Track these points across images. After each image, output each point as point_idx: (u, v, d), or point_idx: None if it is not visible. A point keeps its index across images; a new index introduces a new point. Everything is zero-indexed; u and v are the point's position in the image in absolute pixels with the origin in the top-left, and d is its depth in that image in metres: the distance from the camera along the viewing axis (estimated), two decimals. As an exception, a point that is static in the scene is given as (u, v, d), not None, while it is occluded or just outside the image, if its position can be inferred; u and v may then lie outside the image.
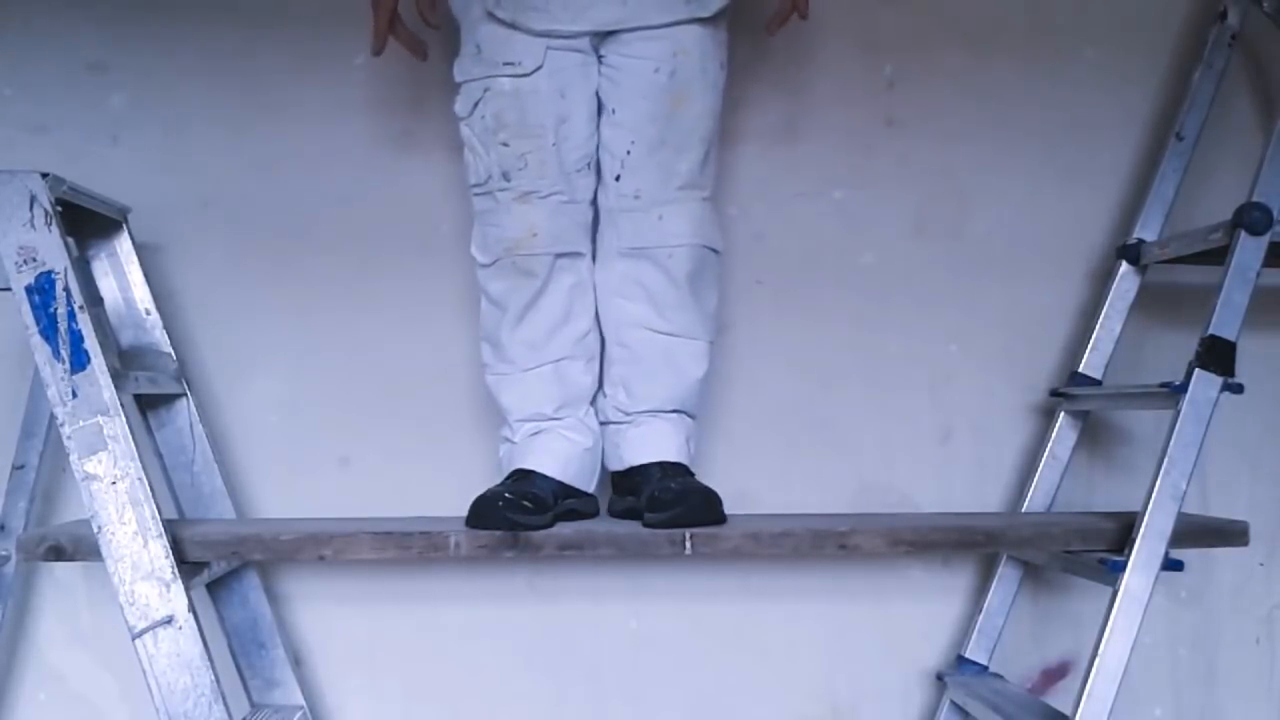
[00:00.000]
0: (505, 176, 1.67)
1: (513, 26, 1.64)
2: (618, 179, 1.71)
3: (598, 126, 1.72)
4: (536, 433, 1.73)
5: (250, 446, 1.96)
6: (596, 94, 1.71)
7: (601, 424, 1.80)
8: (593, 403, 1.79)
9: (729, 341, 1.95)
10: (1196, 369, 1.63)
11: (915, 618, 2.03)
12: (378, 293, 1.98)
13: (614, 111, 1.70)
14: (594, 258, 1.76)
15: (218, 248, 1.96)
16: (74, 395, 1.49)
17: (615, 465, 1.79)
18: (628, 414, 1.76)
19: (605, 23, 1.66)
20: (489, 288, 1.72)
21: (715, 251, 1.76)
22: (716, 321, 1.81)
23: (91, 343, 1.49)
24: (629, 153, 1.70)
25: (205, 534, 1.61)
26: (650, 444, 1.75)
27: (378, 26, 1.66)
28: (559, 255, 1.68)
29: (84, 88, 1.96)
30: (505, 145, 1.66)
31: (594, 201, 1.74)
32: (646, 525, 1.64)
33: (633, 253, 1.72)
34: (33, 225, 1.50)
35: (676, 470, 1.73)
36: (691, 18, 1.67)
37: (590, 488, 1.77)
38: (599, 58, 1.70)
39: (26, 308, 1.49)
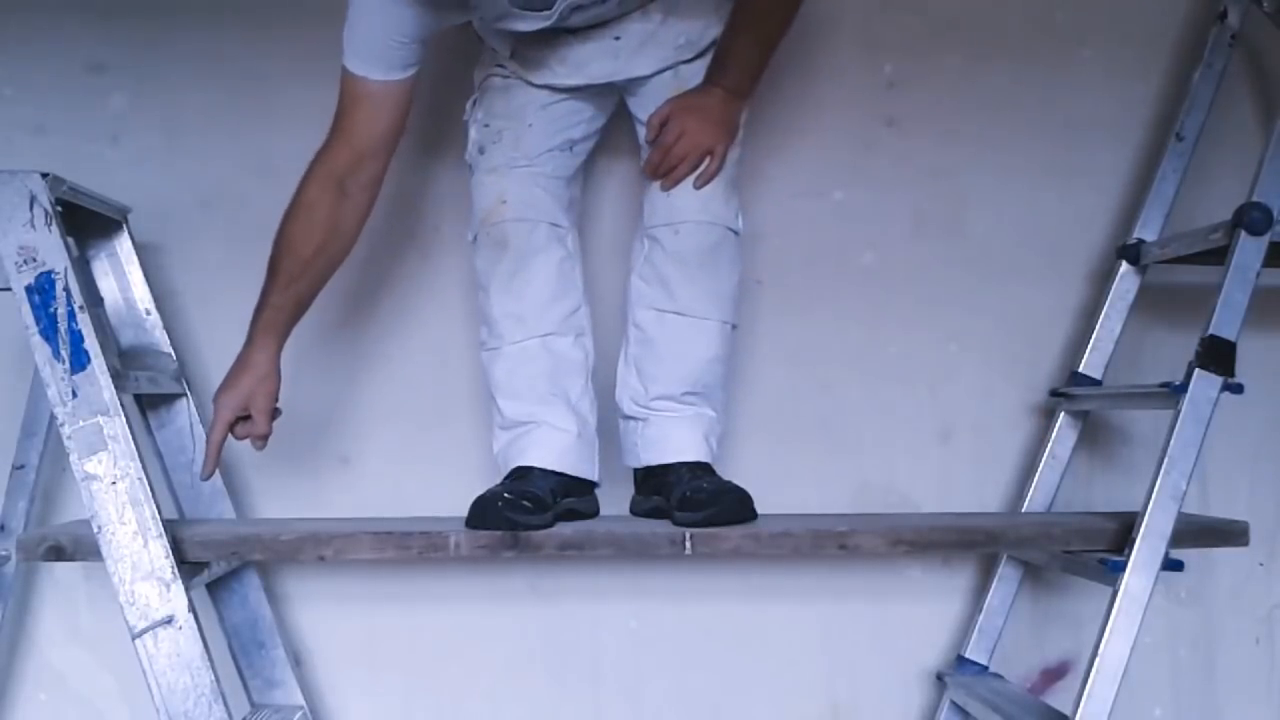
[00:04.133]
0: (480, 150, 1.72)
1: (518, 79, 1.71)
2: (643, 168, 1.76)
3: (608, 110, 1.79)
4: (528, 425, 1.72)
5: (250, 447, 1.96)
6: (625, 104, 1.77)
7: (621, 419, 1.80)
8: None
9: (729, 341, 1.95)
10: (1196, 369, 1.63)
11: (915, 618, 2.03)
12: (378, 293, 1.98)
13: (638, 117, 1.75)
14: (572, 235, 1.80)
15: (218, 248, 1.96)
16: (74, 395, 1.49)
17: (633, 462, 1.79)
18: (641, 405, 1.74)
19: (599, 76, 1.71)
20: (475, 266, 1.74)
21: (733, 232, 1.73)
22: (736, 304, 1.76)
23: (91, 343, 1.49)
24: (646, 141, 1.73)
25: (205, 534, 1.61)
26: (668, 444, 1.74)
27: (210, 455, 1.67)
28: (535, 225, 1.69)
29: (84, 88, 1.96)
30: (486, 126, 1.73)
31: (572, 179, 1.78)
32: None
33: (647, 232, 1.73)
34: (33, 225, 1.50)
35: (704, 469, 1.73)
36: (678, 60, 1.72)
37: (593, 474, 1.76)
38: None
39: (26, 308, 1.49)
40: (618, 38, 1.68)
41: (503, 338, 1.72)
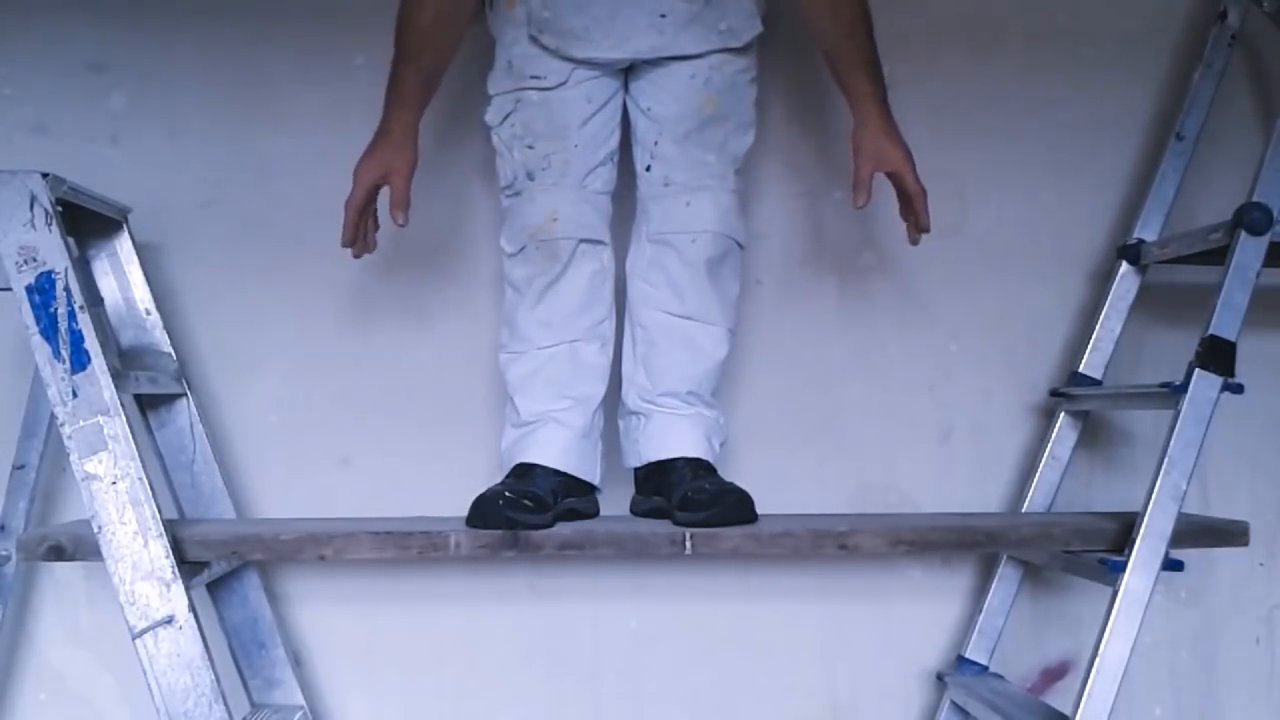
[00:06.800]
0: (530, 176, 1.72)
1: (554, 53, 1.69)
2: (648, 169, 1.75)
3: (629, 120, 1.77)
4: (538, 422, 1.73)
5: (250, 446, 1.96)
6: (626, 91, 1.76)
7: (623, 417, 1.81)
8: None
9: (729, 341, 1.95)
10: (1196, 369, 1.63)
11: (915, 618, 2.03)
12: (377, 293, 1.98)
13: (649, 109, 1.74)
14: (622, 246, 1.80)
15: (218, 248, 1.96)
16: (74, 395, 1.49)
17: (634, 461, 1.80)
18: (647, 400, 1.76)
19: (643, 51, 1.71)
20: (514, 275, 1.75)
21: (739, 245, 1.78)
22: (737, 312, 1.81)
23: (92, 343, 1.49)
24: (656, 143, 1.74)
25: (205, 534, 1.61)
26: (670, 439, 1.75)
27: (348, 223, 1.69)
28: (581, 241, 1.71)
29: (84, 88, 1.96)
30: (531, 148, 1.72)
31: (614, 193, 1.77)
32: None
33: (659, 238, 1.74)
34: (33, 225, 1.50)
35: (705, 469, 1.73)
36: (724, 47, 1.72)
37: (594, 478, 1.77)
38: (631, 67, 1.74)
39: (27, 307, 1.49)
40: (663, 15, 1.68)
41: (529, 341, 1.74)
